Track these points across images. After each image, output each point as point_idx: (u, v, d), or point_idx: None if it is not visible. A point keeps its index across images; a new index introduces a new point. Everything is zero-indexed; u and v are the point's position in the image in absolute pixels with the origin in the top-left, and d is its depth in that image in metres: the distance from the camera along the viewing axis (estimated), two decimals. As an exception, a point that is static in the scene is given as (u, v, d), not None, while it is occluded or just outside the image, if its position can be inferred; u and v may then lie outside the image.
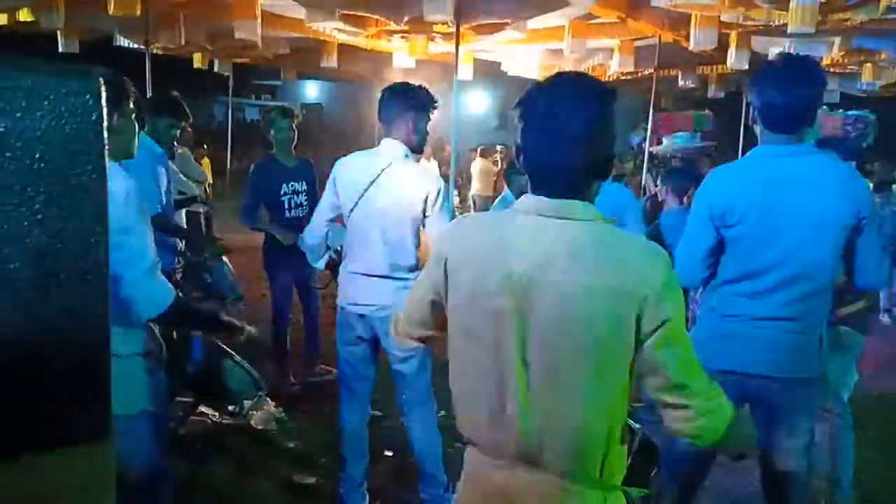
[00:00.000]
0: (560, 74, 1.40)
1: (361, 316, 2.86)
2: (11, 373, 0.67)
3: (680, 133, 6.77)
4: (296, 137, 4.32)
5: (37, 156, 0.65)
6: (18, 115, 0.64)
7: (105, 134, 0.69)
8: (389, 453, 3.63)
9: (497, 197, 6.19)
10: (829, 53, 6.48)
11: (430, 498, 3.00)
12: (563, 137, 1.28)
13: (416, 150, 2.82)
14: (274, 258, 4.29)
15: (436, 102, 2.85)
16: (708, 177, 2.33)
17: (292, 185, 4.23)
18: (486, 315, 1.32)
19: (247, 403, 3.87)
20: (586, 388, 1.27)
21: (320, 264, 3.05)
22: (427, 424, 2.96)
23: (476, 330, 1.35)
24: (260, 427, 3.92)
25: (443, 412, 4.09)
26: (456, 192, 10.38)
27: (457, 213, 10.05)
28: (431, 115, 2.84)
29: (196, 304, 2.83)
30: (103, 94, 0.69)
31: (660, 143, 7.88)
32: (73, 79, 0.67)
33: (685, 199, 4.46)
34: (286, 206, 4.24)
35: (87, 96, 0.67)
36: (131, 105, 2.00)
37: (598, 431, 1.29)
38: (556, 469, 1.32)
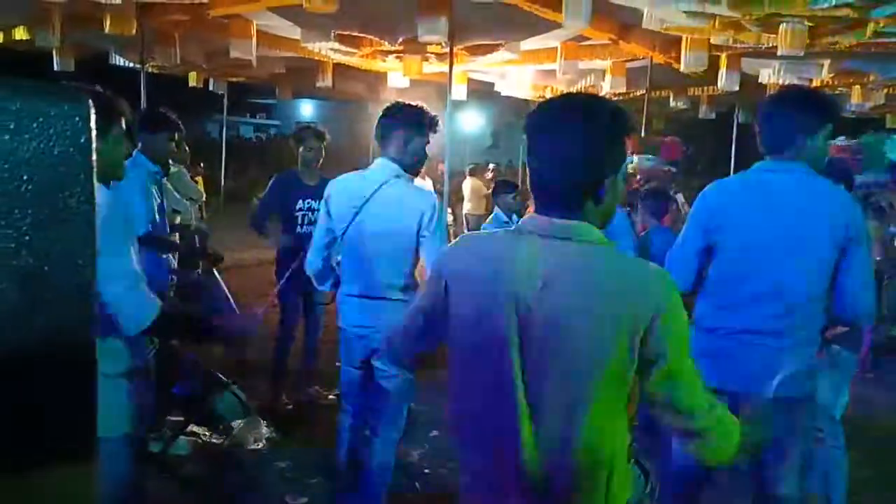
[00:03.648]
0: (568, 94, 1.42)
1: (360, 337, 2.83)
2: (-3, 392, 0.67)
3: (647, 155, 6.90)
4: (322, 157, 4.40)
5: (25, 178, 0.65)
6: (6, 137, 0.64)
7: (94, 157, 0.69)
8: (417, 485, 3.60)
9: (489, 216, 6.21)
10: (819, 75, 6.57)
11: None
12: (566, 154, 1.27)
13: (410, 169, 2.78)
14: (285, 271, 4.30)
15: (436, 124, 2.81)
16: (707, 188, 2.43)
17: (308, 203, 4.28)
18: (488, 337, 1.30)
19: (237, 424, 3.85)
20: (588, 412, 1.25)
21: (326, 286, 3.04)
22: (389, 445, 2.90)
23: (477, 352, 1.33)
24: (251, 447, 3.89)
25: (435, 432, 4.09)
26: (449, 211, 10.40)
27: (450, 231, 10.07)
28: (429, 137, 2.80)
29: (188, 313, 2.80)
30: (92, 117, 0.69)
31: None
32: (62, 101, 0.67)
33: (663, 220, 4.55)
34: (299, 221, 4.30)
35: (77, 119, 0.67)
36: (123, 126, 1.98)
37: (603, 454, 1.28)
38: (559, 494, 1.30)
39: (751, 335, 2.17)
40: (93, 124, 0.68)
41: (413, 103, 2.84)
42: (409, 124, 2.73)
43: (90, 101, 0.68)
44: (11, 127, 0.64)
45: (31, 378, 0.67)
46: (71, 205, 0.67)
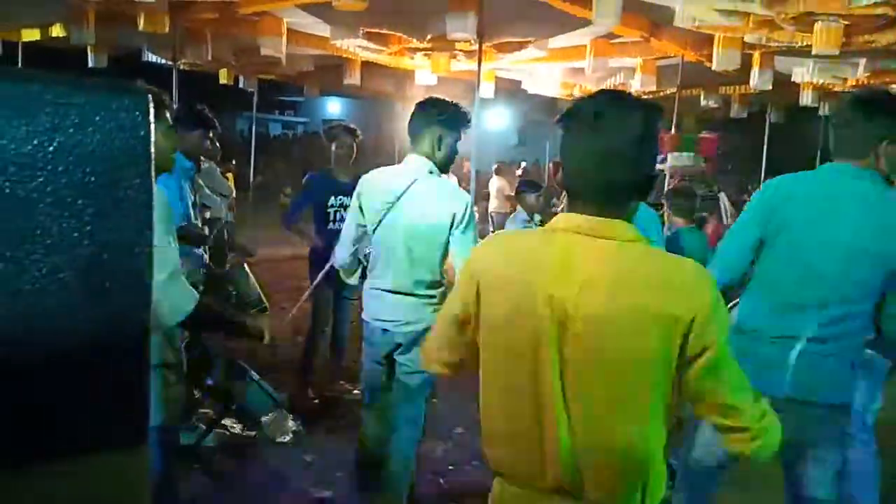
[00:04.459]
0: (604, 90, 1.40)
1: (385, 331, 2.84)
2: (57, 377, 0.69)
3: (684, 153, 6.81)
4: (355, 154, 4.47)
5: (87, 170, 0.68)
6: (72, 130, 0.67)
7: (152, 149, 0.71)
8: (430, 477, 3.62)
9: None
10: (855, 74, 6.44)
11: None
12: (610, 150, 1.25)
13: (442, 166, 2.78)
14: (317, 266, 4.36)
15: (468, 120, 2.81)
16: (768, 182, 2.38)
17: (341, 199, 4.34)
18: (523, 338, 1.27)
19: (266, 418, 3.89)
20: (629, 412, 1.24)
21: (353, 280, 3.05)
22: (410, 444, 2.89)
23: (512, 353, 1.30)
24: (278, 440, 3.94)
25: (460, 429, 4.10)
26: (475, 209, 10.41)
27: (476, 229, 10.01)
28: (462, 134, 2.79)
29: (219, 309, 2.85)
30: (151, 111, 0.71)
31: (663, 160, 7.88)
32: (123, 96, 0.70)
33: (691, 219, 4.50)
34: (331, 217, 4.37)
35: (137, 113, 0.69)
36: (169, 119, 2.03)
37: (642, 456, 1.26)
38: (596, 498, 1.28)
39: (797, 341, 2.13)
40: (151, 118, 0.70)
41: (446, 99, 2.83)
42: (443, 121, 2.72)
43: (149, 96, 0.70)
44: (77, 121, 0.66)
45: (91, 365, 0.69)
46: (130, 195, 0.69)
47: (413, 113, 2.78)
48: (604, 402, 1.24)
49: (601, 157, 1.26)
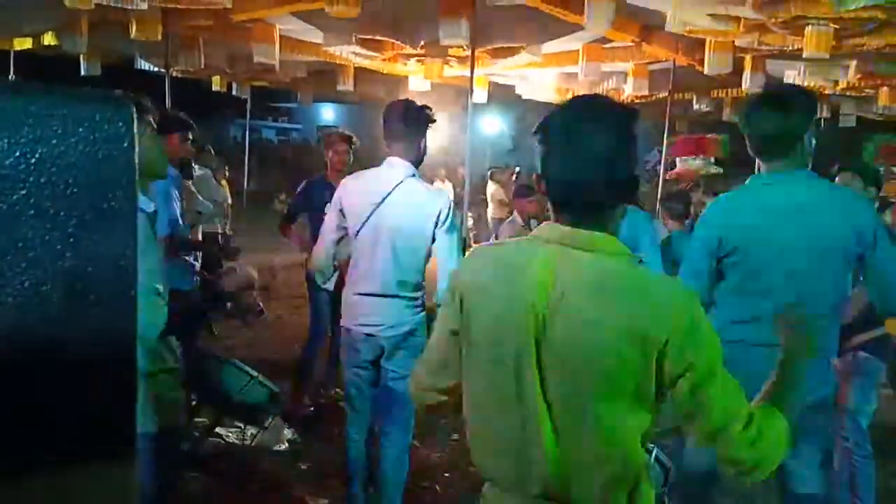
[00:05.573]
0: (578, 97, 1.39)
1: (369, 335, 2.83)
2: (42, 389, 0.69)
3: (695, 157, 6.83)
4: (351, 161, 4.50)
5: (70, 181, 0.68)
6: (54, 142, 0.66)
7: (136, 160, 0.71)
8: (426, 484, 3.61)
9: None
10: (845, 77, 6.47)
11: None
12: (586, 158, 1.24)
13: (418, 166, 2.85)
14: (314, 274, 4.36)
15: (434, 120, 2.88)
16: (708, 206, 2.40)
17: None
18: (507, 348, 1.27)
19: (269, 419, 3.87)
20: (610, 426, 1.23)
21: (329, 285, 3.06)
22: (401, 448, 2.90)
23: (497, 363, 1.29)
24: (274, 448, 3.92)
25: (456, 435, 4.09)
26: (469, 214, 10.43)
27: (469, 235, 10.02)
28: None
29: (200, 307, 2.85)
30: (135, 121, 0.71)
31: (673, 166, 7.90)
32: (106, 106, 0.69)
33: (684, 222, 4.52)
34: None
35: (120, 123, 0.69)
36: (153, 124, 2.02)
37: (626, 467, 1.25)
38: None
39: (771, 348, 2.16)
40: (135, 128, 0.70)
41: (413, 101, 2.89)
42: (415, 123, 2.79)
43: (132, 106, 0.70)
44: (59, 132, 0.66)
45: (76, 378, 0.69)
46: (114, 207, 0.69)
47: (389, 118, 2.81)
48: (584, 411, 1.23)
49: (579, 166, 1.26)
